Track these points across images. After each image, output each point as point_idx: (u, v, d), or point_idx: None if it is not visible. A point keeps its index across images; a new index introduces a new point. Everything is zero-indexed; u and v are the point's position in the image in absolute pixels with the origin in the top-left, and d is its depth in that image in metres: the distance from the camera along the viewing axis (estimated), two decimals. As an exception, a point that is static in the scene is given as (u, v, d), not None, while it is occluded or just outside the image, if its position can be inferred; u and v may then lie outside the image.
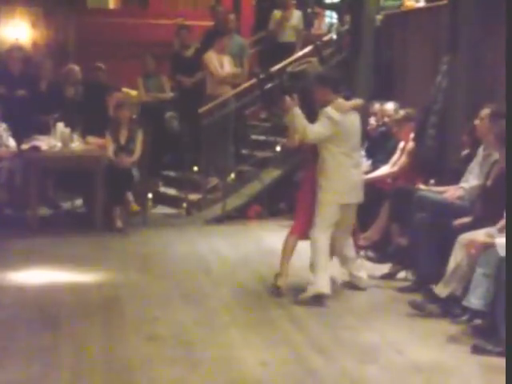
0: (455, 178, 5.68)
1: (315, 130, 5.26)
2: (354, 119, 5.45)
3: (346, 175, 5.34)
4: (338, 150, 5.31)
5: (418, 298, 5.13)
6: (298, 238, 5.54)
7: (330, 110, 5.28)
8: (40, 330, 4.65)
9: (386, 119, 7.05)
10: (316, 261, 5.34)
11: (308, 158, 5.55)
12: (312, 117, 5.32)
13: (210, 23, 9.82)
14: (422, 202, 5.47)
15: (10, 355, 4.22)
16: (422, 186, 5.86)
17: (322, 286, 5.25)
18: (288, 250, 5.54)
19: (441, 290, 4.83)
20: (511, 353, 3.68)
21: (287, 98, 5.31)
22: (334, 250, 5.60)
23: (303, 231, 5.49)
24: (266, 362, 4.19)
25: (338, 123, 5.26)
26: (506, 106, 4.70)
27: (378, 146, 7.24)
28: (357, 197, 5.46)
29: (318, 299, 5.23)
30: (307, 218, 5.43)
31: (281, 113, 5.62)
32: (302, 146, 5.51)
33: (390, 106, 7.04)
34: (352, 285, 5.66)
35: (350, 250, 5.67)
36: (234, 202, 8.37)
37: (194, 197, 8.49)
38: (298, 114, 5.28)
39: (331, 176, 5.31)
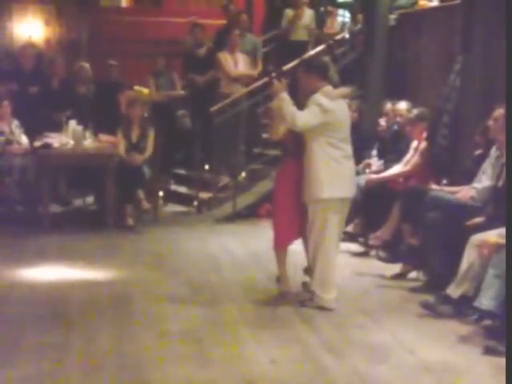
0: (468, 178, 5.65)
1: (304, 118, 4.93)
2: (344, 108, 5.17)
3: (338, 167, 5.04)
4: (328, 141, 5.01)
5: (429, 298, 5.11)
6: (286, 248, 5.31)
7: (319, 97, 4.98)
8: (51, 326, 4.67)
9: (399, 119, 7.02)
10: (326, 274, 5.09)
11: (288, 151, 5.26)
12: (297, 107, 5.03)
13: (222, 22, 9.83)
14: (434, 202, 5.45)
15: (21, 352, 4.24)
16: (434, 186, 5.82)
17: (330, 301, 5.10)
18: (281, 262, 5.34)
19: (453, 290, 4.81)
20: (511, 352, 3.66)
21: (276, 82, 5.03)
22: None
23: (288, 238, 5.27)
24: (277, 360, 4.19)
25: (328, 111, 4.97)
26: (506, 106, 4.67)
27: (389, 145, 7.22)
28: (350, 191, 5.17)
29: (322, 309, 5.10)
30: (288, 222, 5.17)
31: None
32: (285, 138, 5.19)
33: (402, 105, 7.02)
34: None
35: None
36: (244, 200, 8.37)
37: (204, 195, 8.50)
38: (286, 100, 4.96)
39: (321, 168, 5.00)
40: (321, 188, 5.02)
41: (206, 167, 8.88)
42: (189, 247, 6.89)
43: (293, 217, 5.20)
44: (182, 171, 9.30)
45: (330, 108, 5.00)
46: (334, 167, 5.04)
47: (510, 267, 4.08)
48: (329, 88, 5.10)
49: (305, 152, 5.10)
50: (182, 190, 8.98)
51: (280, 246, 5.32)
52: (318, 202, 5.07)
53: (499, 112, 5.29)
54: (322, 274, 5.12)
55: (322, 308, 5.09)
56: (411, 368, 4.14)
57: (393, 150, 7.08)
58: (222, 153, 8.55)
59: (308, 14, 9.68)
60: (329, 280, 5.12)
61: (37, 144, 7.65)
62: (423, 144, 6.41)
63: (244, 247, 6.93)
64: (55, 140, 7.70)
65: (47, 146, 7.54)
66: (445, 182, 6.15)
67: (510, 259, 4.09)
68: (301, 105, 5.05)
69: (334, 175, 5.04)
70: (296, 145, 5.16)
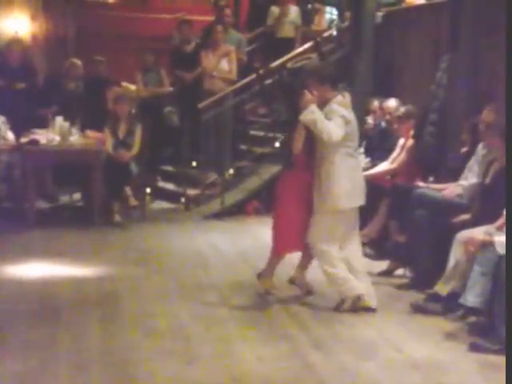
0: (454, 175, 5.69)
1: (337, 131, 4.84)
2: (354, 116, 5.12)
3: (355, 177, 5.04)
4: (347, 151, 4.98)
5: (418, 296, 5.14)
6: (282, 256, 5.31)
7: (339, 108, 4.94)
8: (38, 323, 4.65)
9: (388, 116, 7.04)
10: (335, 275, 5.01)
11: (294, 164, 5.12)
12: (295, 116, 4.99)
13: (210, 18, 9.81)
14: (420, 200, 5.48)
15: (8, 348, 4.22)
16: (420, 184, 5.86)
17: (357, 287, 4.99)
18: (272, 264, 5.32)
19: (441, 288, 4.83)
20: (511, 352, 3.68)
21: (307, 94, 4.91)
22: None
23: (291, 247, 5.25)
24: (264, 357, 4.20)
25: (349, 121, 4.95)
26: (506, 106, 4.70)
27: (376, 143, 7.25)
28: (364, 198, 5.14)
29: (361, 303, 5.00)
30: (293, 232, 5.12)
31: (286, 109, 5.17)
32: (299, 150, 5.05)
33: (391, 102, 7.04)
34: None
35: (357, 261, 5.14)
36: (232, 197, 8.37)
37: (192, 192, 8.49)
38: (318, 113, 4.87)
39: (342, 180, 4.94)
40: (343, 198, 4.97)
41: (194, 164, 8.87)
42: (176, 244, 6.89)
43: (298, 227, 5.13)
44: (169, 168, 9.28)
45: (349, 118, 4.99)
46: (353, 177, 5.03)
47: (510, 268, 4.10)
48: (340, 98, 5.04)
49: (319, 164, 5.01)
50: (170, 186, 8.96)
51: (280, 253, 5.30)
52: (337, 212, 5.00)
53: (487, 113, 5.32)
54: (335, 273, 5.03)
55: (356, 300, 4.98)
56: (398, 365, 4.16)
57: (380, 147, 7.11)
58: (210, 150, 8.54)
59: (294, 11, 9.69)
60: (343, 276, 5.02)
61: (23, 140, 7.61)
62: (410, 141, 6.44)
63: (232, 244, 6.93)
64: (42, 136, 7.66)
65: (34, 143, 7.50)
66: (431, 179, 6.19)
67: (510, 260, 4.11)
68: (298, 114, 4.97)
69: (354, 185, 5.03)
70: (306, 157, 5.07)
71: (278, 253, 5.30)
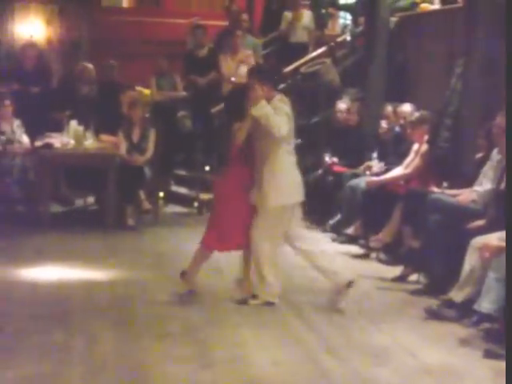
0: (469, 180, 5.66)
1: (285, 126, 4.95)
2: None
3: (295, 173, 5.17)
4: (287, 148, 5.11)
5: (431, 302, 5.12)
6: (210, 253, 5.36)
7: (283, 106, 5.03)
8: (52, 326, 4.66)
9: (402, 121, 7.03)
10: (262, 269, 5.14)
11: (236, 159, 5.20)
12: (240, 115, 5.07)
13: (223, 23, 9.84)
14: (435, 205, 5.46)
15: (21, 352, 4.23)
16: (435, 189, 5.84)
17: (272, 294, 5.17)
18: (198, 261, 5.36)
19: (456, 294, 4.81)
20: (511, 353, 3.68)
21: (258, 88, 4.98)
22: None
23: (225, 246, 5.28)
24: (278, 361, 4.19)
25: (291, 118, 5.07)
26: (506, 106, 4.68)
27: (390, 148, 7.24)
28: (302, 194, 5.22)
29: (269, 304, 5.16)
30: (230, 230, 5.19)
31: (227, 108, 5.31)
32: (241, 145, 5.12)
33: (406, 107, 7.02)
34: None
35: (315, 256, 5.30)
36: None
37: (205, 196, 8.49)
38: (268, 107, 4.94)
39: (284, 176, 5.07)
40: (288, 194, 5.10)
41: (207, 168, 8.89)
42: (189, 248, 6.80)
43: (236, 225, 5.20)
44: (182, 172, 9.30)
45: (291, 116, 5.10)
46: (294, 173, 5.17)
47: (510, 269, 4.09)
48: (280, 96, 5.15)
49: (261, 161, 5.07)
50: (183, 190, 8.98)
51: (211, 249, 5.34)
52: (282, 208, 5.09)
53: (502, 118, 5.29)
54: (265, 275, 5.15)
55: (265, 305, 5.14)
56: (412, 371, 4.14)
57: (394, 152, 7.10)
58: (223, 154, 8.55)
59: (307, 16, 9.71)
60: (271, 279, 5.16)
61: (38, 144, 7.66)
62: (424, 147, 6.42)
63: (244, 248, 6.92)
64: (56, 140, 7.70)
65: (48, 146, 7.55)
66: (446, 184, 6.16)
67: (510, 261, 4.10)
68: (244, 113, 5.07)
69: (295, 181, 5.17)
70: (246, 153, 5.15)
71: (208, 248, 5.31)
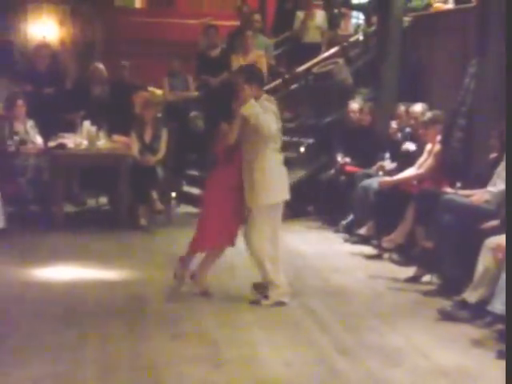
0: (482, 181, 5.63)
1: (273, 125, 5.05)
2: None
3: (282, 172, 5.26)
4: (274, 147, 5.20)
5: (444, 302, 5.10)
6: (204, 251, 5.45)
7: (271, 105, 5.14)
8: (66, 326, 4.69)
9: (413, 121, 7.01)
10: (267, 271, 5.18)
11: (224, 159, 5.27)
12: (228, 115, 5.16)
13: (236, 23, 9.84)
14: (448, 205, 5.44)
15: (36, 352, 4.26)
16: (448, 189, 5.82)
17: (284, 295, 5.23)
18: (189, 262, 5.46)
19: (470, 295, 4.79)
20: (511, 352, 3.66)
21: (247, 88, 5.04)
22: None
23: (214, 244, 5.36)
24: (290, 362, 4.19)
25: (278, 118, 5.18)
26: (506, 106, 4.65)
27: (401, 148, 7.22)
28: (288, 193, 5.33)
29: (279, 305, 5.19)
30: (218, 230, 5.25)
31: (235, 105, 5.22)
32: (230, 145, 5.19)
33: (417, 107, 7.00)
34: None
35: (276, 250, 5.32)
36: (257, 202, 8.35)
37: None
38: (258, 107, 5.03)
39: (274, 174, 5.17)
40: (276, 192, 5.19)
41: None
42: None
43: (224, 225, 5.27)
44: (194, 172, 9.30)
45: (278, 115, 5.21)
46: (281, 171, 5.26)
47: (509, 268, 4.07)
48: (267, 96, 5.26)
49: (250, 160, 5.14)
50: (195, 191, 8.97)
51: (197, 251, 5.43)
52: (271, 206, 5.17)
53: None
54: (272, 276, 5.21)
55: (277, 305, 5.17)
56: (425, 372, 4.13)
57: (405, 152, 7.08)
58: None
59: (320, 16, 9.69)
60: (278, 277, 5.23)
61: (51, 144, 7.69)
62: (437, 147, 6.40)
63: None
64: (69, 140, 7.74)
65: (61, 146, 7.59)
66: (459, 185, 6.13)
67: (510, 260, 4.08)
68: (235, 112, 5.12)
69: (283, 179, 5.27)
70: (235, 153, 5.21)
71: (200, 249, 5.43)
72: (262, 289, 5.37)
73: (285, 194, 5.27)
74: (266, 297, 5.25)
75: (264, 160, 5.13)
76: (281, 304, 5.20)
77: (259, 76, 5.30)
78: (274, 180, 5.17)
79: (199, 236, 5.36)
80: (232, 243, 5.40)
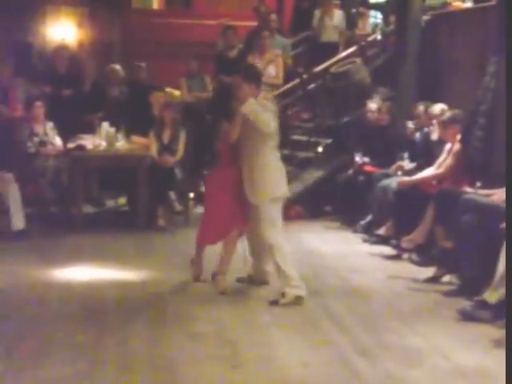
0: (502, 180, 5.57)
1: (272, 123, 5.22)
2: None
3: (281, 169, 5.40)
4: (273, 144, 5.34)
5: (464, 303, 5.06)
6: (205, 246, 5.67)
7: (269, 104, 5.32)
8: (85, 326, 4.71)
9: (432, 121, 6.96)
10: (284, 267, 5.24)
11: (227, 156, 5.44)
12: (228, 114, 5.32)
13: (253, 24, 9.84)
14: (468, 205, 5.40)
15: (55, 351, 4.28)
16: (468, 189, 5.77)
17: (300, 287, 5.27)
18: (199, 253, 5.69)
19: (490, 295, 4.75)
20: (511, 351, 3.64)
21: (245, 86, 5.21)
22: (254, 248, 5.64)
23: (211, 239, 5.60)
24: (309, 362, 4.18)
25: (276, 116, 5.35)
26: (506, 106, 4.61)
27: (421, 148, 7.18)
28: (288, 190, 5.53)
29: (298, 302, 5.22)
30: (216, 225, 5.46)
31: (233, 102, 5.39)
32: (228, 143, 5.35)
33: (436, 107, 6.95)
34: (258, 280, 5.63)
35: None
36: (274, 202, 8.33)
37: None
38: (257, 104, 5.18)
39: (274, 169, 5.33)
40: (278, 187, 5.35)
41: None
42: (219, 248, 6.88)
43: (222, 220, 5.43)
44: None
45: (276, 113, 5.43)
46: (281, 167, 5.42)
47: (510, 266, 4.03)
48: (264, 94, 5.46)
49: (250, 157, 5.28)
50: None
51: (201, 244, 5.68)
52: (273, 200, 5.31)
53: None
54: (285, 270, 5.25)
55: (296, 301, 5.19)
56: (445, 373, 4.10)
57: (424, 152, 7.04)
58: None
59: (338, 15, 9.66)
60: (292, 272, 5.28)
61: (70, 145, 7.74)
62: (457, 146, 6.35)
63: (275, 249, 6.91)
64: (88, 141, 7.78)
65: (80, 148, 7.63)
66: (479, 184, 6.08)
67: (510, 260, 4.04)
68: (235, 111, 5.25)
69: (283, 174, 5.42)
70: (234, 151, 5.36)
71: (200, 244, 5.67)
72: (245, 281, 5.57)
73: (285, 190, 5.42)
74: (283, 294, 5.24)
75: (263, 157, 5.27)
76: (299, 300, 5.19)
77: (257, 75, 5.43)
78: (273, 175, 5.32)
79: (201, 231, 5.62)
80: (239, 233, 5.52)
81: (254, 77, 5.34)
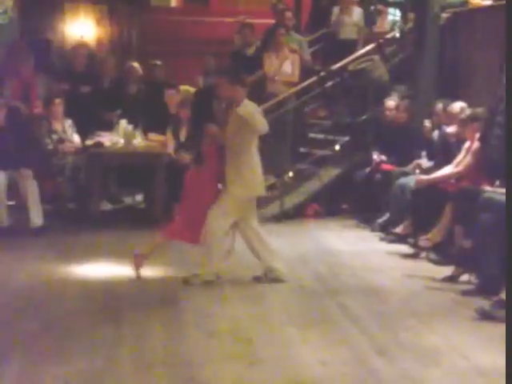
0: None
1: (266, 124, 5.38)
2: None
3: (260, 168, 5.57)
4: (256, 144, 5.53)
5: (483, 303, 5.01)
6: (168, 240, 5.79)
7: (255, 106, 5.50)
8: (103, 322, 4.73)
9: (450, 119, 6.91)
10: (213, 254, 5.51)
11: (211, 153, 5.56)
12: (210, 116, 5.50)
13: (271, 21, 9.82)
14: (487, 203, 5.36)
15: (74, 347, 4.30)
16: (487, 187, 5.73)
17: (212, 273, 5.56)
18: (155, 244, 5.81)
19: (509, 294, 4.71)
20: (511, 351, 3.62)
21: (240, 89, 5.40)
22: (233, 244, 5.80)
23: (181, 236, 5.70)
24: (326, 361, 4.16)
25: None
26: (506, 106, 4.56)
27: (439, 146, 7.14)
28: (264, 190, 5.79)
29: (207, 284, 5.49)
30: (188, 222, 5.58)
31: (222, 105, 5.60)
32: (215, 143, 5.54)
33: (455, 106, 6.90)
34: (271, 278, 5.68)
35: (258, 241, 5.69)
36: (291, 200, 8.35)
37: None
38: (252, 106, 5.41)
39: (258, 169, 5.52)
40: (260, 185, 5.61)
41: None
42: (236, 246, 6.86)
43: (194, 219, 5.55)
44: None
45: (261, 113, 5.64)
46: (259, 168, 5.59)
47: (509, 267, 3.99)
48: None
49: (236, 156, 5.45)
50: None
51: (169, 237, 5.75)
52: (250, 198, 5.58)
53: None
54: (212, 257, 5.54)
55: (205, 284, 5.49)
56: (464, 372, 4.06)
57: (442, 151, 7.00)
58: (269, 152, 8.53)
59: (357, 12, 9.61)
60: (215, 260, 5.57)
61: (88, 143, 7.78)
62: (476, 144, 6.30)
63: (291, 247, 6.91)
64: (106, 139, 7.81)
65: (98, 145, 7.66)
66: (498, 183, 6.02)
67: (510, 259, 4.00)
68: (218, 113, 5.53)
69: (261, 174, 5.63)
70: (218, 153, 5.55)
71: (167, 236, 5.74)
72: (263, 280, 5.69)
73: (263, 190, 5.70)
74: (197, 276, 5.55)
75: (250, 156, 5.48)
76: (209, 283, 5.51)
77: (241, 76, 5.64)
78: (257, 175, 5.54)
79: (177, 225, 5.71)
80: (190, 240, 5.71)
81: (239, 77, 5.51)
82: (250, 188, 5.54)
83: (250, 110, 5.36)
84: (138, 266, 5.72)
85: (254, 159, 5.52)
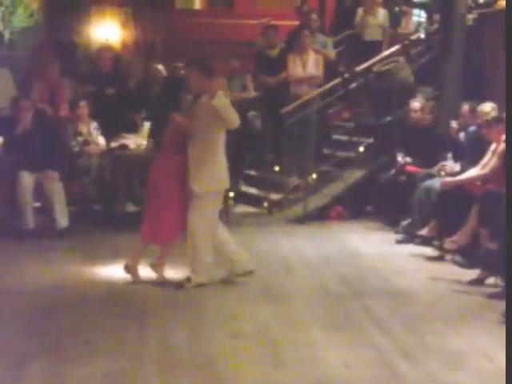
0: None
1: (237, 119, 5.36)
2: None
3: (225, 162, 5.53)
4: (223, 139, 5.48)
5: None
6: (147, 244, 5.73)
7: (225, 99, 5.39)
8: (127, 324, 4.76)
9: (479, 120, 6.86)
10: (201, 253, 5.47)
11: (171, 145, 5.54)
12: (177, 105, 5.48)
13: (296, 23, 9.82)
14: (513, 206, 5.29)
15: (98, 349, 4.33)
16: (513, 190, 5.66)
17: (204, 275, 5.52)
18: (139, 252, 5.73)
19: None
20: (511, 351, 3.60)
21: (218, 80, 5.43)
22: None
23: (175, 234, 5.66)
24: (350, 363, 4.15)
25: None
26: (506, 106, 4.50)
27: (467, 148, 7.08)
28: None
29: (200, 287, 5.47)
30: (176, 218, 5.52)
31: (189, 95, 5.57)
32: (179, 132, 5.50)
33: (485, 106, 6.84)
34: (233, 273, 5.68)
35: (222, 233, 5.67)
36: (315, 202, 8.33)
37: (275, 196, 8.50)
38: (225, 99, 5.35)
39: (222, 164, 5.48)
40: (224, 181, 5.54)
41: (277, 168, 8.89)
42: (260, 248, 6.90)
43: (179, 212, 5.53)
44: (252, 172, 9.32)
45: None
46: (225, 161, 5.55)
47: (509, 267, 3.95)
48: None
49: (202, 149, 5.39)
50: (253, 191, 8.99)
51: (166, 241, 5.68)
52: (218, 192, 5.53)
53: None
54: (201, 257, 5.50)
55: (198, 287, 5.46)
56: (490, 376, 4.03)
57: (469, 152, 6.94)
58: (293, 154, 8.53)
59: (381, 14, 9.57)
60: (207, 261, 5.55)
61: (113, 145, 7.83)
62: (502, 146, 6.23)
63: (315, 249, 6.90)
64: (131, 141, 7.85)
65: (123, 147, 7.71)
66: (525, 185, 5.96)
67: (510, 258, 3.95)
68: (186, 105, 5.52)
69: (226, 168, 5.57)
70: (179, 139, 5.49)
71: (163, 241, 5.67)
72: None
73: (227, 183, 5.59)
74: (189, 279, 5.49)
75: (215, 150, 5.42)
76: (202, 285, 5.47)
77: (210, 69, 5.54)
78: (223, 169, 5.50)
79: (158, 228, 5.58)
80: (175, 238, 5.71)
81: (210, 69, 5.48)
82: (218, 181, 5.50)
83: (224, 102, 5.29)
84: (134, 276, 5.67)
85: (220, 153, 5.47)
